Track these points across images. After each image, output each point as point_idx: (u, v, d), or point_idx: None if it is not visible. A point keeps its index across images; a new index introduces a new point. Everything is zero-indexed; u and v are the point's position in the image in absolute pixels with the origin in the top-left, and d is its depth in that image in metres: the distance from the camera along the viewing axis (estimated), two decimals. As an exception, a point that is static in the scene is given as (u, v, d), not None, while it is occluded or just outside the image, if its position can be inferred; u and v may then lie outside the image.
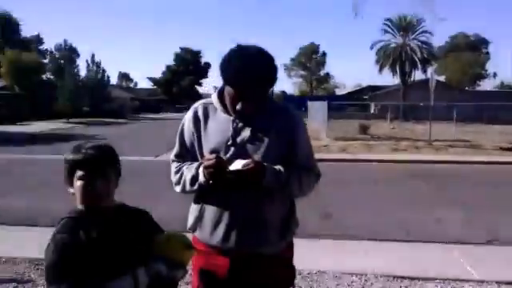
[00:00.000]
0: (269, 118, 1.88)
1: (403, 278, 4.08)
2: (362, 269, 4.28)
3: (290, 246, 2.01)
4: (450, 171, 11.42)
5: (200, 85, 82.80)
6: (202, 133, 1.91)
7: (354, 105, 42.07)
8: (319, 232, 5.18)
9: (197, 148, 1.93)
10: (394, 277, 4.08)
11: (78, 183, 1.56)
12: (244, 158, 1.78)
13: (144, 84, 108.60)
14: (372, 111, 40.50)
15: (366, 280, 4.02)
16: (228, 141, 1.85)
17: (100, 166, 1.55)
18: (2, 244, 4.92)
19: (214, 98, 1.95)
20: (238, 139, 1.85)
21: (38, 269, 4.17)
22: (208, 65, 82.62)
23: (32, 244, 4.95)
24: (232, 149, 1.84)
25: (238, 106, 1.79)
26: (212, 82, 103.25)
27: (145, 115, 50.90)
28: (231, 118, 1.88)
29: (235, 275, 1.88)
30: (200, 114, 1.95)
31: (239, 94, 1.77)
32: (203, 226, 1.89)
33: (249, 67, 1.72)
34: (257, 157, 1.81)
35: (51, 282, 1.43)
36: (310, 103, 27.11)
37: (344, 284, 3.92)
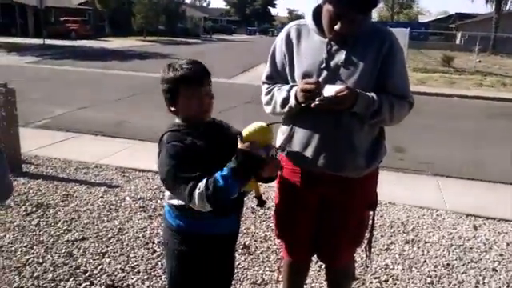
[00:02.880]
0: (365, 41, 1.79)
1: (476, 216, 3.98)
2: (434, 204, 4.23)
3: (375, 173, 2.01)
4: (539, 112, 10.55)
5: (273, 6, 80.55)
6: (295, 55, 1.87)
7: (438, 34, 39.05)
8: (391, 164, 5.11)
9: (288, 70, 1.90)
10: (467, 215, 4.00)
11: (187, 100, 1.62)
12: (336, 83, 1.74)
13: (217, 3, 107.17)
14: (458, 42, 37.43)
15: (437, 215, 3.97)
16: (321, 64, 1.80)
17: (206, 81, 1.62)
18: (90, 152, 5.37)
19: (309, 19, 1.87)
20: (332, 63, 1.79)
21: (123, 176, 4.54)
22: (283, -15, 79.37)
23: (118, 154, 5.39)
24: (325, 72, 1.79)
25: (337, 27, 1.70)
26: (286, 4, 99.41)
27: (217, 36, 50.88)
28: (326, 40, 1.81)
29: (319, 194, 1.96)
30: (293, 35, 1.89)
31: (340, 13, 1.68)
32: (292, 146, 1.92)
33: None
34: (350, 82, 1.76)
35: (176, 183, 1.56)
36: (389, 30, 25.44)
37: (414, 217, 3.91)
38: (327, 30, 1.77)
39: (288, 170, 1.98)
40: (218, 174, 1.50)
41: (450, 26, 46.26)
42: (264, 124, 1.63)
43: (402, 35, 19.47)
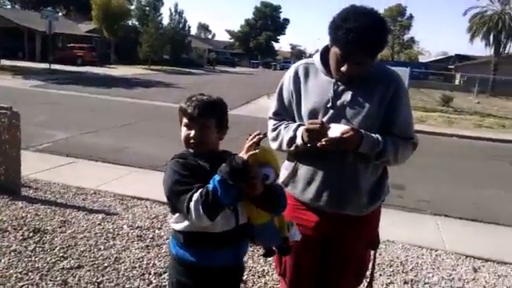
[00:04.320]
0: (372, 83, 1.84)
1: (476, 258, 3.94)
2: (433, 243, 4.20)
3: (378, 211, 2.03)
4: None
5: (277, 41, 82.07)
6: (302, 92, 1.92)
7: (438, 74, 39.68)
8: (390, 202, 5.09)
9: (295, 107, 1.94)
10: (467, 256, 3.96)
11: (182, 129, 1.72)
12: (341, 122, 1.78)
13: (222, 36, 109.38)
14: (457, 82, 37.97)
15: (436, 255, 3.94)
16: (328, 103, 1.84)
17: (199, 118, 1.67)
18: (89, 178, 5.37)
19: (317, 59, 1.93)
20: (338, 102, 1.83)
21: (122, 203, 4.52)
22: (287, 21, 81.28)
23: (117, 180, 5.38)
24: (331, 111, 1.83)
25: (343, 68, 1.75)
26: (289, 39, 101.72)
27: (221, 68, 51.64)
28: (333, 80, 1.85)
29: (322, 231, 1.95)
30: (301, 73, 1.94)
31: (347, 55, 1.72)
32: (296, 182, 1.94)
33: (363, 29, 1.66)
34: (355, 121, 1.80)
35: (177, 196, 1.61)
36: (390, 69, 25.89)
37: (413, 256, 3.87)
38: (334, 71, 1.82)
39: (291, 206, 1.98)
40: (209, 183, 1.57)
41: (450, 66, 47.02)
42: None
43: (402, 74, 19.78)
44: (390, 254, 3.85)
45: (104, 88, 17.44)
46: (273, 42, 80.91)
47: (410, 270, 3.60)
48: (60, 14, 47.53)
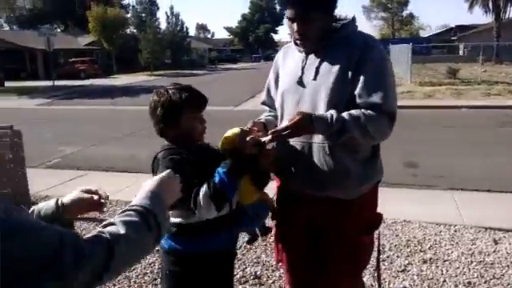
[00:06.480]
0: (336, 52, 1.76)
1: (495, 229, 3.84)
2: (451, 219, 4.11)
3: (372, 192, 1.90)
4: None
5: (276, 32, 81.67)
6: (280, 73, 1.96)
7: (441, 47, 39.15)
8: (404, 181, 5.01)
9: (274, 89, 2.01)
10: (486, 228, 3.86)
11: (191, 122, 1.70)
12: (307, 98, 1.78)
13: (221, 34, 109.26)
14: (461, 53, 37.43)
15: (455, 231, 3.85)
16: (296, 78, 1.84)
17: (205, 106, 1.74)
18: (101, 188, 5.34)
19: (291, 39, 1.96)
20: (305, 78, 1.81)
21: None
22: (283, 11, 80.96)
23: (128, 188, 5.37)
24: (300, 88, 1.82)
25: (295, 28, 1.75)
26: (287, 29, 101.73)
27: (223, 66, 51.57)
28: (303, 54, 1.84)
29: (310, 217, 1.89)
30: (280, 57, 2.01)
31: (295, 14, 1.72)
32: (283, 171, 1.91)
33: None
34: (322, 95, 1.73)
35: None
36: (392, 47, 25.64)
37: (431, 234, 3.79)
38: (293, 37, 1.85)
39: (279, 190, 2.00)
40: (215, 176, 1.60)
41: (452, 38, 46.37)
42: (238, 129, 1.73)
43: (405, 51, 19.60)
44: (406, 235, 3.78)
45: (108, 99, 17.50)
46: (272, 34, 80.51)
47: (429, 248, 3.52)
48: (58, 30, 47.89)
